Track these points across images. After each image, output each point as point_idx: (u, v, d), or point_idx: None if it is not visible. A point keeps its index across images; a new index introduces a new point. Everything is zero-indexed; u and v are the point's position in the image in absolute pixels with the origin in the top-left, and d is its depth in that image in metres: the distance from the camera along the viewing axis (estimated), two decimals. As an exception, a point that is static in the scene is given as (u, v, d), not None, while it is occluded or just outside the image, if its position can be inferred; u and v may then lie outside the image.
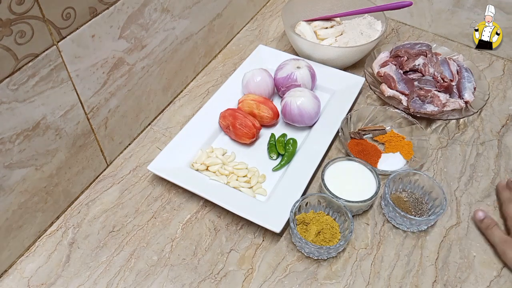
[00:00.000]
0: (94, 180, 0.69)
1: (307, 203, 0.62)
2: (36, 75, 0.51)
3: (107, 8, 0.58)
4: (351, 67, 0.88)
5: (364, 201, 0.61)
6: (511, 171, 0.71)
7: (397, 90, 0.80)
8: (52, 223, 0.63)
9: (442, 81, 0.79)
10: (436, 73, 0.80)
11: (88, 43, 0.57)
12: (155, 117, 0.79)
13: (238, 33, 0.97)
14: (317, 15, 0.92)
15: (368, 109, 0.76)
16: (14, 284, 0.57)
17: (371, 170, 0.65)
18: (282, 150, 0.71)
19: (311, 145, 0.71)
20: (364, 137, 0.74)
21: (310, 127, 0.75)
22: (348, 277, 0.58)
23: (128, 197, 0.67)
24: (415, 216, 0.62)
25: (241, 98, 0.76)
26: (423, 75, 0.81)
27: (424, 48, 0.84)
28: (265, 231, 0.63)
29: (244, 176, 0.67)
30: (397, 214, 0.61)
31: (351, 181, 0.64)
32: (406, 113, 0.75)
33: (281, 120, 0.77)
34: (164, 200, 0.66)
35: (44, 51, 0.51)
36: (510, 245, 0.58)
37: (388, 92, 0.80)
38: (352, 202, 0.61)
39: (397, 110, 0.75)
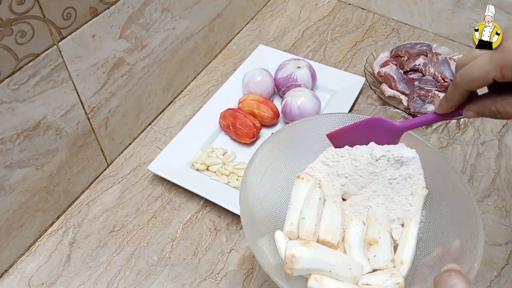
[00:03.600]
0: (94, 180, 0.69)
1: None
2: (37, 75, 0.51)
3: (108, 8, 0.58)
4: (351, 67, 0.88)
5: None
6: (511, 171, 0.71)
7: (397, 90, 0.80)
8: (53, 222, 0.63)
9: (442, 81, 0.79)
10: (436, 73, 0.80)
11: (89, 43, 0.57)
12: (156, 117, 0.79)
13: (238, 33, 0.97)
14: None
15: (368, 109, 0.76)
16: (15, 283, 0.57)
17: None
18: (283, 150, 0.71)
19: (312, 145, 0.71)
20: (365, 137, 0.74)
21: (311, 127, 0.75)
22: (348, 277, 0.58)
23: (129, 197, 0.67)
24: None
25: (241, 98, 0.76)
26: (424, 75, 0.81)
27: (424, 48, 0.84)
28: (265, 231, 0.63)
29: (244, 176, 0.67)
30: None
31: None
32: (407, 113, 0.75)
33: (281, 120, 0.77)
34: (164, 200, 0.66)
35: (44, 51, 0.51)
36: None
37: (389, 92, 0.80)
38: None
39: (397, 110, 0.75)
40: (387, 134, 0.49)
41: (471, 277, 0.40)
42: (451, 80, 0.80)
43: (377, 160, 0.49)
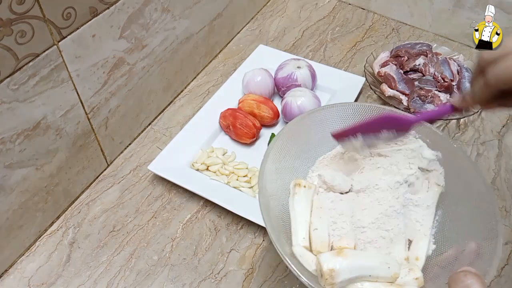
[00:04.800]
0: (94, 180, 0.69)
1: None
2: (37, 75, 0.51)
3: (108, 8, 0.58)
4: (351, 67, 0.88)
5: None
6: (511, 171, 0.71)
7: (397, 90, 0.80)
8: (53, 222, 0.63)
9: (442, 81, 0.79)
10: (436, 73, 0.80)
11: (89, 43, 0.57)
12: (156, 117, 0.79)
13: (238, 33, 0.97)
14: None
15: (368, 109, 0.76)
16: (15, 283, 0.57)
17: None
18: (283, 150, 0.71)
19: (312, 145, 0.71)
20: (365, 137, 0.74)
21: (311, 127, 0.75)
22: (348, 277, 0.58)
23: (129, 197, 0.67)
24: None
25: (241, 98, 0.76)
26: (424, 75, 0.81)
27: (424, 48, 0.84)
28: (265, 231, 0.63)
29: (244, 176, 0.67)
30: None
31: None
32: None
33: (281, 120, 0.77)
34: (164, 200, 0.66)
35: (44, 51, 0.51)
36: None
37: (389, 92, 0.80)
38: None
39: (397, 110, 0.75)
40: (399, 127, 0.48)
41: (487, 281, 0.38)
42: (451, 80, 0.80)
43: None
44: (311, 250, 0.46)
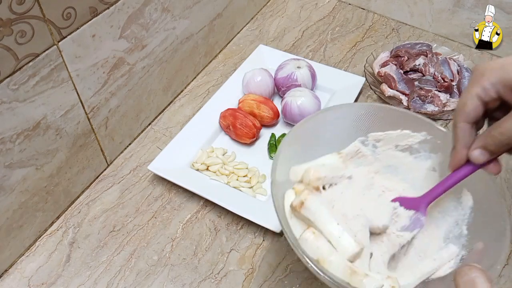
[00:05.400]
0: (94, 180, 0.69)
1: (307, 203, 0.62)
2: (37, 75, 0.51)
3: (108, 8, 0.58)
4: (351, 67, 0.88)
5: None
6: (511, 170, 0.71)
7: (397, 90, 0.80)
8: (53, 222, 0.63)
9: (442, 81, 0.79)
10: (436, 73, 0.80)
11: (89, 43, 0.57)
12: (156, 117, 0.79)
13: (238, 33, 0.97)
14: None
15: (368, 109, 0.76)
16: (15, 283, 0.57)
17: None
18: (283, 150, 0.71)
19: (312, 145, 0.71)
20: (365, 137, 0.74)
21: (311, 127, 0.75)
22: (348, 277, 0.58)
23: (129, 197, 0.67)
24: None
25: (241, 98, 0.77)
26: (424, 75, 0.81)
27: (424, 48, 0.84)
28: (265, 231, 0.63)
29: (244, 176, 0.67)
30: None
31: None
32: (407, 113, 0.75)
33: (281, 120, 0.77)
34: (164, 200, 0.66)
35: (44, 51, 0.51)
36: None
37: (389, 92, 0.80)
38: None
39: (397, 110, 0.75)
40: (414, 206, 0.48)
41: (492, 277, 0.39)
42: (451, 80, 0.80)
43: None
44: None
